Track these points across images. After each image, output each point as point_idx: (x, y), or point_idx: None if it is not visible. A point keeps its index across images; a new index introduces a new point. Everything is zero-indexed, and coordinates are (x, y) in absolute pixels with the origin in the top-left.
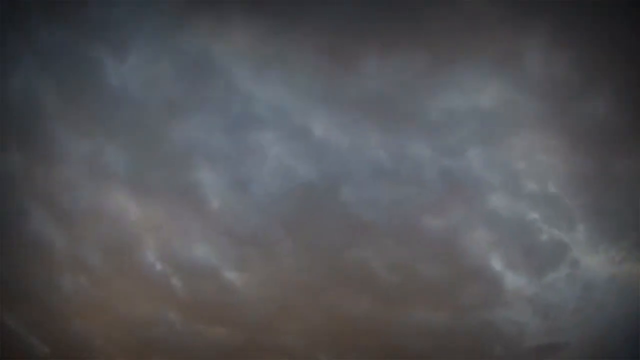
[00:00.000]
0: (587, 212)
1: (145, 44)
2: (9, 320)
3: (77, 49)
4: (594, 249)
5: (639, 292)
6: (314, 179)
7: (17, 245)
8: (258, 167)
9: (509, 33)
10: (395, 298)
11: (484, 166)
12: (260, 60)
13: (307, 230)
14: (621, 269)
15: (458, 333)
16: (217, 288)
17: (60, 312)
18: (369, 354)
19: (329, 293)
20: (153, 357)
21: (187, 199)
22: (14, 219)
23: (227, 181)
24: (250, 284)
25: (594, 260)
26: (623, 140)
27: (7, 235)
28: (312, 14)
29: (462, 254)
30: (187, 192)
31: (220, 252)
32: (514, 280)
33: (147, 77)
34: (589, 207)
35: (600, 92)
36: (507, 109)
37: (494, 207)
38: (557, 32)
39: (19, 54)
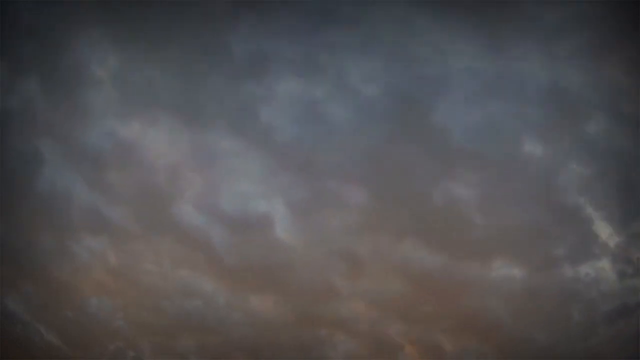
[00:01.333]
0: None
1: None
2: (11, 302)
3: None
4: None
5: None
6: (402, 96)
7: (24, 199)
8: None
9: None
10: (477, 250)
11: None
12: None
13: (389, 164)
14: None
15: (536, 294)
16: (268, 246)
17: (73, 287)
18: (440, 322)
19: (403, 245)
20: (184, 337)
21: (246, 127)
22: (24, 166)
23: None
24: (309, 240)
25: None
26: None
27: (13, 187)
28: None
29: (558, 191)
30: (246, 119)
31: (277, 196)
32: (602, 227)
33: None
34: None
35: None
36: None
37: (594, 133)
38: None
39: None
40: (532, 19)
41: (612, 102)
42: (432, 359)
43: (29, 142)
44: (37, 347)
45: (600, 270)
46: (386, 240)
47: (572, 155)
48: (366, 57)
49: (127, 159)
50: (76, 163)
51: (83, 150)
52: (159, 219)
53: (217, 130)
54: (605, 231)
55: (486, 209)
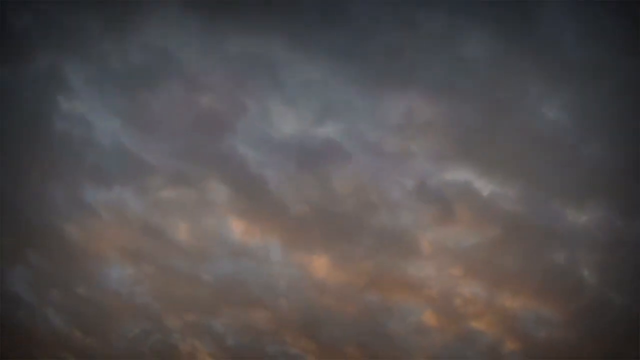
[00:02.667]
0: None
1: None
2: (11, 278)
3: None
4: None
5: None
6: None
7: (32, 137)
8: None
9: None
10: (571, 190)
11: None
12: None
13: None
14: None
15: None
16: (336, 188)
17: (87, 254)
18: (522, 285)
19: (494, 180)
20: (225, 313)
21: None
22: (36, 93)
23: None
24: (388, 177)
25: None
26: None
27: (20, 120)
28: None
29: None
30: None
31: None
32: None
33: None
34: None
35: None
36: None
37: None
38: None
39: None
40: None
41: None
42: (507, 330)
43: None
44: (42, 335)
45: None
46: (477, 174)
47: None
48: None
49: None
50: (101, 86)
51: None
52: (202, 157)
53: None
54: None
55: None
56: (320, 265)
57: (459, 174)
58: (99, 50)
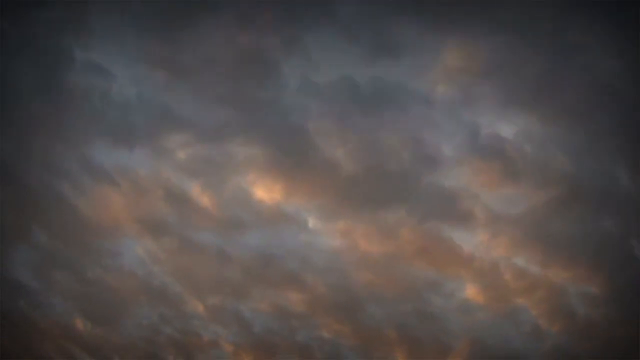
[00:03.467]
0: None
1: None
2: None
3: None
4: None
5: None
6: None
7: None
8: None
9: None
10: None
11: None
12: None
13: None
14: None
15: None
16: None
17: (99, 228)
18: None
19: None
20: (256, 295)
21: None
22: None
23: None
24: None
25: None
26: None
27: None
28: None
29: None
30: None
31: None
32: None
33: None
34: None
35: None
36: None
37: None
38: None
39: None
40: None
41: None
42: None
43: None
44: (46, 326)
45: None
46: (535, 125)
47: None
48: None
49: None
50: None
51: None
52: (238, 107)
53: None
54: None
55: None
56: (362, 234)
57: (516, 126)
58: None
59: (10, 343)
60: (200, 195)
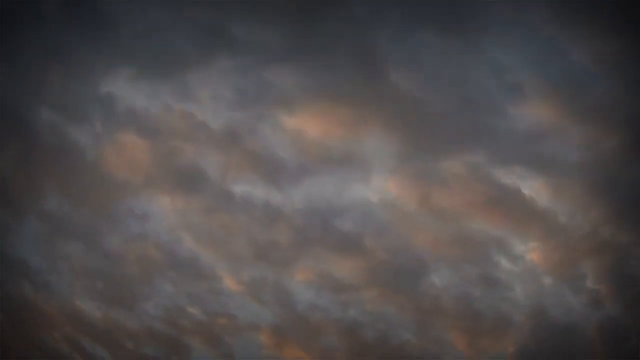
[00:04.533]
0: None
1: None
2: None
3: None
4: None
5: None
6: None
7: None
8: None
9: None
10: None
11: None
12: None
13: None
14: None
15: None
16: None
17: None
18: None
19: None
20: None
21: None
22: None
23: None
24: None
25: None
26: None
27: None
28: None
29: None
30: None
31: None
32: None
33: None
34: None
35: None
36: None
37: None
38: None
39: None
40: None
41: None
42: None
43: None
44: (52, 311)
45: None
46: None
47: None
48: None
49: None
50: None
51: None
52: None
53: None
54: None
55: None
56: (429, 183)
57: None
58: None
59: (11, 329)
60: (244, 135)
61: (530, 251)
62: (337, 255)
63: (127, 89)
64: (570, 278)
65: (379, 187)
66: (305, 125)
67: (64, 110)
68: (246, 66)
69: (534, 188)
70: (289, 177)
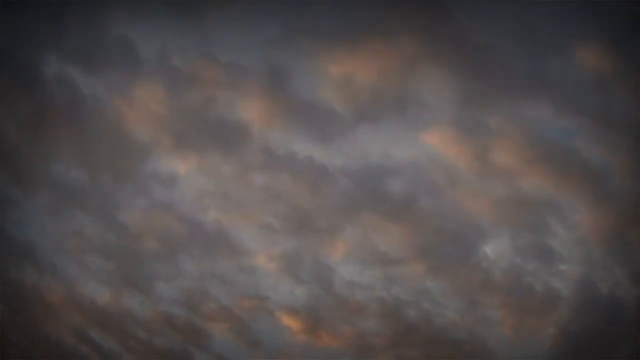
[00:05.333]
0: None
1: None
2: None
3: None
4: None
5: None
6: None
7: None
8: None
9: None
10: None
11: None
12: None
13: None
14: None
15: None
16: None
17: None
18: None
19: None
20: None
21: None
22: None
23: None
24: None
25: None
26: None
27: None
28: None
29: None
30: None
31: None
32: None
33: None
34: None
35: None
36: None
37: None
38: None
39: None
40: None
41: None
42: None
43: None
44: (57, 296)
45: None
46: None
47: None
48: None
49: None
50: None
51: None
52: None
53: None
54: None
55: None
56: (485, 143)
57: None
58: None
59: (12, 322)
60: (282, 81)
61: (582, 218)
62: (385, 222)
63: (148, 34)
64: (619, 249)
65: (433, 142)
66: (354, 68)
67: (76, 60)
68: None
69: (589, 146)
70: (335, 130)
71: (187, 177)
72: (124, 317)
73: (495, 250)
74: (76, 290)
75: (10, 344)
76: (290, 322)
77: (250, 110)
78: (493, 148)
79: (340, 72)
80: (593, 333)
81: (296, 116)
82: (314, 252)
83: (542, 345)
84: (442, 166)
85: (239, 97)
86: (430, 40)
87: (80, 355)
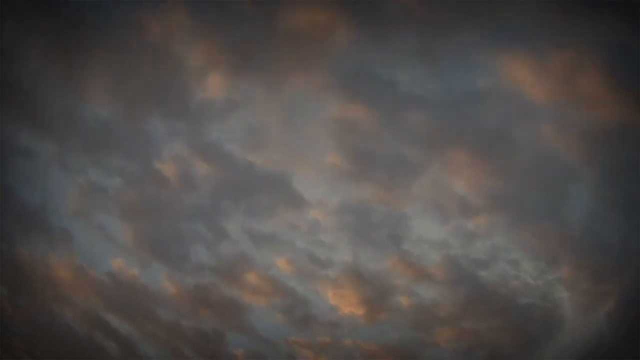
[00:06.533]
0: None
1: None
2: None
3: None
4: None
5: None
6: None
7: None
8: None
9: None
10: None
11: None
12: None
13: None
14: None
15: None
16: None
17: None
18: None
19: None
20: None
21: None
22: None
23: None
24: None
25: None
26: None
27: None
28: None
29: None
30: None
31: None
32: None
33: None
34: None
35: None
36: None
37: None
38: None
39: None
40: None
41: None
42: None
43: None
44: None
45: None
46: None
47: None
48: None
49: None
50: None
51: None
52: None
53: None
54: None
55: None
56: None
57: None
58: None
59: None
60: None
61: None
62: (471, 161)
63: None
64: None
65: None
66: None
67: None
68: None
69: None
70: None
71: (245, 103)
72: (148, 295)
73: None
74: (92, 263)
75: (12, 335)
76: (346, 292)
77: None
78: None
79: None
80: None
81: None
82: (384, 203)
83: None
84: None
85: None
86: None
87: (94, 345)
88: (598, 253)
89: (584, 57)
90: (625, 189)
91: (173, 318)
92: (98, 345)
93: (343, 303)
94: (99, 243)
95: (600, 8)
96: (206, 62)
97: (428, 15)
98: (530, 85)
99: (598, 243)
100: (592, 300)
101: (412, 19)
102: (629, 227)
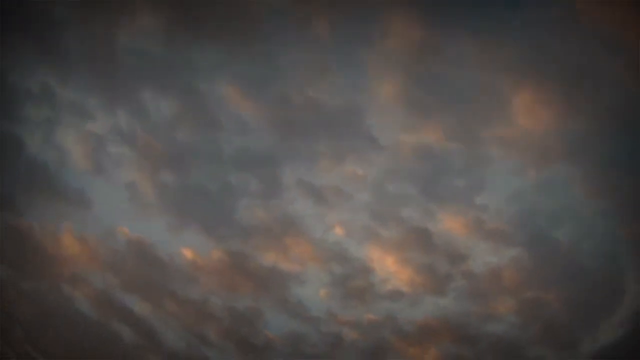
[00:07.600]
0: None
1: None
2: None
3: None
4: None
5: None
6: None
7: None
8: None
9: None
10: None
11: None
12: None
13: None
14: None
15: None
16: None
17: None
18: None
19: None
20: None
21: None
22: None
23: None
24: None
25: None
26: None
27: None
28: None
29: None
30: None
31: None
32: None
33: None
34: None
35: None
36: None
37: None
38: None
39: None
40: None
41: None
42: None
43: None
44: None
45: None
46: None
47: None
48: None
49: None
50: None
51: None
52: None
53: None
54: None
55: None
56: None
57: None
58: None
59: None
60: None
61: None
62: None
63: None
64: None
65: None
66: None
67: None
68: None
69: None
70: None
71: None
72: (173, 268)
73: None
74: (110, 233)
75: (14, 320)
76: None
77: None
78: None
79: None
80: None
81: None
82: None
83: None
84: None
85: None
86: None
87: (106, 332)
88: None
89: None
90: None
91: (200, 296)
92: (110, 331)
93: (402, 271)
94: (117, 203)
95: None
96: None
97: None
98: None
99: None
100: None
101: None
102: None
